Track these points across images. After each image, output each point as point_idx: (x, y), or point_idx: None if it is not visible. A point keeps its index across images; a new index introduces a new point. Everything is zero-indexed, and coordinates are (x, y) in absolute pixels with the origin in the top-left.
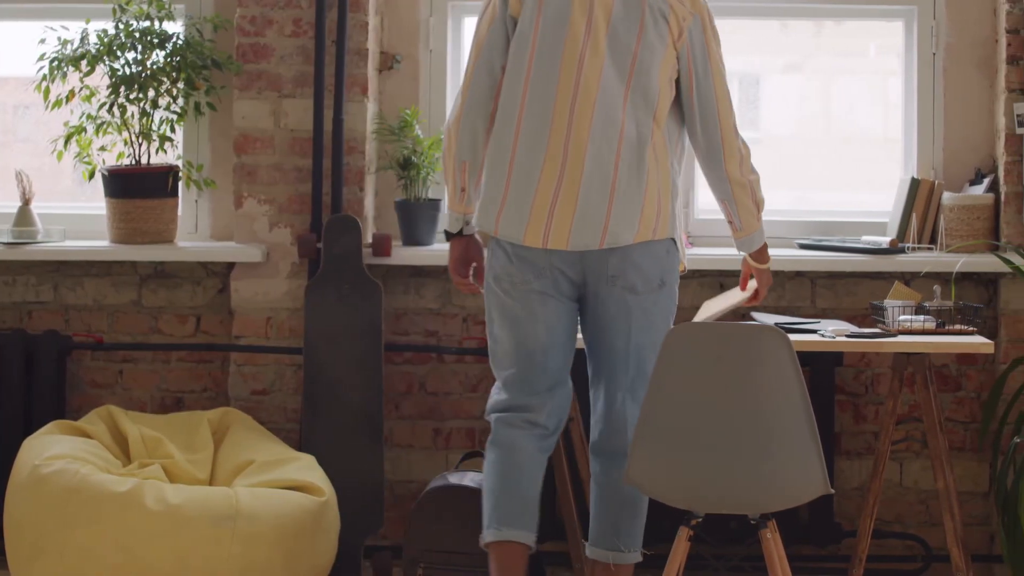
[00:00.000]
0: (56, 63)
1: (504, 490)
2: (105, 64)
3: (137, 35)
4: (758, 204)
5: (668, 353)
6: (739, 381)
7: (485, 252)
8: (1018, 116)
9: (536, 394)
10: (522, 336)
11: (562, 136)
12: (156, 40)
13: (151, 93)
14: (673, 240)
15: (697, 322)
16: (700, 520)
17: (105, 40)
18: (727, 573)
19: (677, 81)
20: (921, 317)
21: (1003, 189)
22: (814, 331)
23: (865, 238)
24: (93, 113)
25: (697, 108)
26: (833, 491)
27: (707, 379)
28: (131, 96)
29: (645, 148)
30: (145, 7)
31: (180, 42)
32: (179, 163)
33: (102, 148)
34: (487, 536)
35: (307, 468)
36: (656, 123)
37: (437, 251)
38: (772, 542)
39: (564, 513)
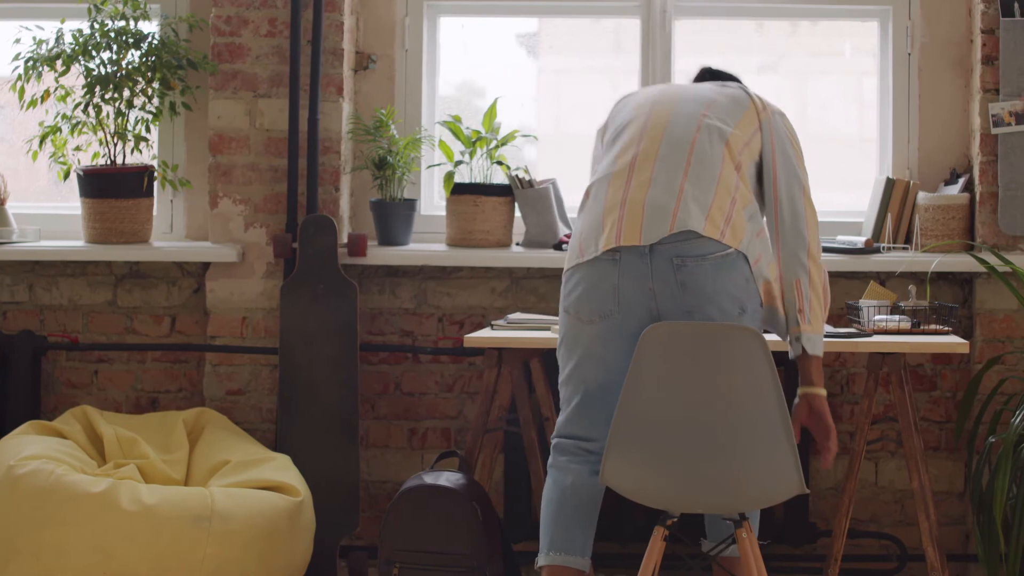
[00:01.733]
0: (31, 63)
1: (553, 517)
2: (80, 64)
3: (112, 35)
4: (827, 299)
5: (644, 353)
6: (715, 381)
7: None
8: (993, 116)
9: (594, 426)
10: (583, 369)
11: (631, 154)
12: (131, 40)
13: (126, 93)
14: (748, 263)
15: (674, 322)
16: (676, 520)
17: (80, 40)
18: (701, 573)
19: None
20: (896, 317)
21: (978, 189)
22: None
23: (840, 238)
24: (68, 113)
25: (781, 172)
26: (808, 491)
27: (683, 379)
28: (106, 96)
29: (718, 155)
30: (120, 7)
31: (155, 42)
32: (154, 163)
33: (77, 148)
34: (539, 560)
35: (282, 468)
36: (729, 150)
37: (412, 251)
38: (747, 541)
39: (539, 512)
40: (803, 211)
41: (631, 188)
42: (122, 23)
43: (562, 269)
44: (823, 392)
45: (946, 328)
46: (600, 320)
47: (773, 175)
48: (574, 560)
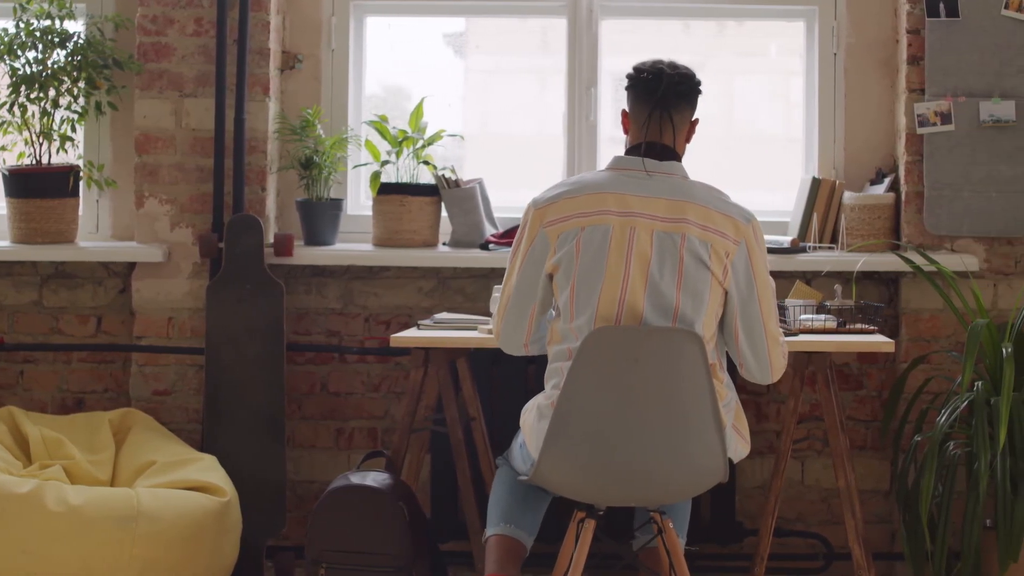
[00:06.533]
0: None
1: (508, 493)
2: (5, 63)
3: (38, 34)
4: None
5: (584, 354)
6: (653, 380)
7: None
8: (919, 116)
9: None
10: None
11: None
12: (57, 39)
13: (52, 92)
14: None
15: (616, 326)
16: (603, 512)
17: (5, 39)
18: (622, 571)
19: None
20: (822, 316)
21: (903, 189)
22: None
23: (766, 237)
24: None
25: (742, 330)
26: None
27: (622, 378)
28: (32, 95)
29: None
30: (46, 6)
31: (81, 41)
32: (80, 163)
33: (2, 148)
34: (488, 531)
35: (209, 469)
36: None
37: (339, 251)
38: (673, 532)
39: (466, 511)
40: (767, 360)
41: (627, 290)
42: (48, 22)
43: (489, 269)
44: None
45: (872, 327)
46: None
47: (734, 326)
48: (521, 535)
